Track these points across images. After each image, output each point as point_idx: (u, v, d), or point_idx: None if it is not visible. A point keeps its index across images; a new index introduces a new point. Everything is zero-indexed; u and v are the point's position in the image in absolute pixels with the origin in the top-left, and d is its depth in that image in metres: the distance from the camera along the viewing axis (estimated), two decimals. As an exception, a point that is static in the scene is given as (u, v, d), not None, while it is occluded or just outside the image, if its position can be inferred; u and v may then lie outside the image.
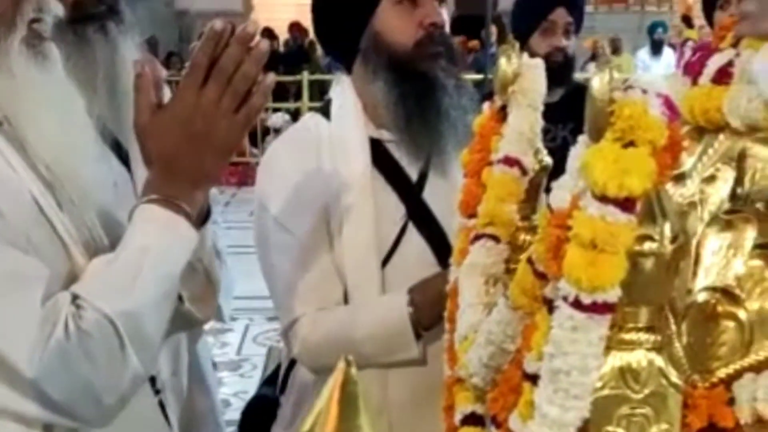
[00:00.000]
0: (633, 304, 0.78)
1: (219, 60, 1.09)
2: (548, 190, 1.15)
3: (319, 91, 10.04)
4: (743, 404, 0.86)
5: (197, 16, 15.35)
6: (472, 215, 1.19)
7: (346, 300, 1.65)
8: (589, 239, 0.75)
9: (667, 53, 11.44)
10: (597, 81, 0.79)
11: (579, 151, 0.84)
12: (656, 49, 11.58)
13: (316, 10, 1.75)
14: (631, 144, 0.77)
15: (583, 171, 0.78)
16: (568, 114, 1.95)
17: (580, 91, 3.33)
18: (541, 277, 0.88)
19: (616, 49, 12.41)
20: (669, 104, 0.80)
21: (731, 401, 0.87)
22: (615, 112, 0.77)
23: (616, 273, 0.75)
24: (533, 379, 0.81)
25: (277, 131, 8.24)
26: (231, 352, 5.04)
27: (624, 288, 0.76)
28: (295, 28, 13.21)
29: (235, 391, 4.36)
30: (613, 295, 0.75)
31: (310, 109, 2.76)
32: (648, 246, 0.77)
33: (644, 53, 11.92)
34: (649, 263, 0.77)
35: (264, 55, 1.12)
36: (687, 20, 13.53)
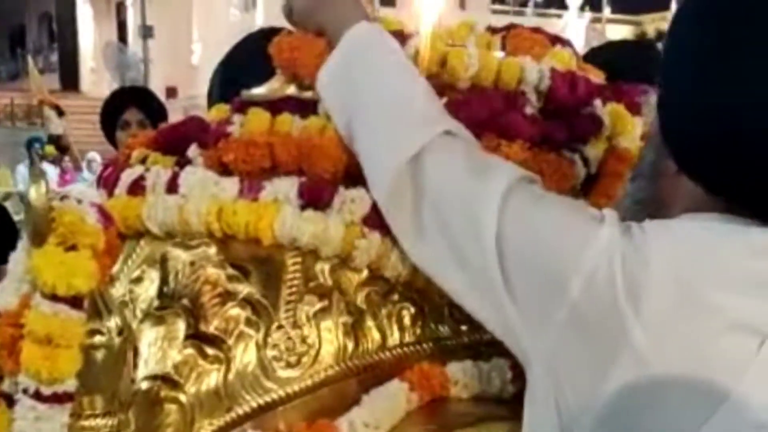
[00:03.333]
0: (89, 393, 0.99)
1: None
2: None
3: None
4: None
5: None
6: None
7: None
8: (44, 335, 0.95)
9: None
10: (34, 191, 1.01)
11: (19, 256, 1.04)
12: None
13: None
14: (73, 248, 1.00)
15: (33, 273, 0.98)
16: None
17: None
18: (-12, 376, 1.04)
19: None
20: (103, 212, 1.06)
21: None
22: (56, 219, 1.00)
23: (72, 365, 0.96)
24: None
25: None
26: None
27: (80, 378, 0.97)
28: None
29: None
30: (71, 385, 0.96)
31: None
32: (98, 339, 1.00)
33: (23, 167, 13.44)
34: (100, 355, 1.00)
35: None
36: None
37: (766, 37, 0.98)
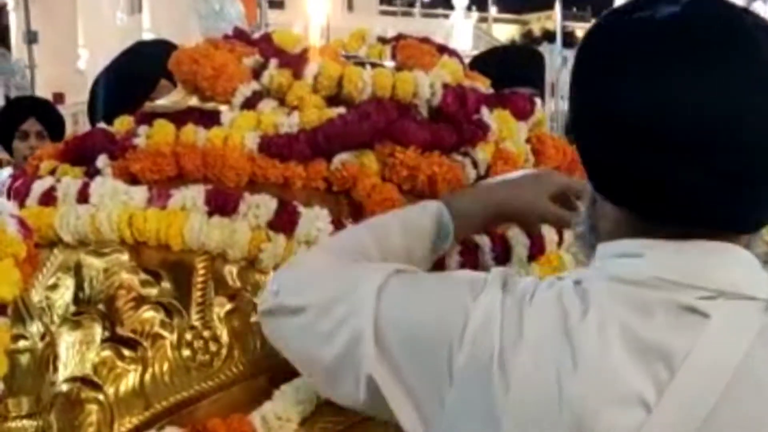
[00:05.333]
0: (15, 395, 1.05)
1: None
2: None
3: None
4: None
5: None
6: None
7: None
8: (-25, 342, 1.00)
9: None
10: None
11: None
12: None
13: None
14: (-4, 257, 1.05)
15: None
16: None
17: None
18: None
19: None
20: (22, 223, 1.11)
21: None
22: (-22, 230, 1.05)
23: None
24: None
25: None
26: None
27: (6, 382, 1.03)
28: None
29: None
30: (-1, 388, 1.02)
31: None
32: (22, 344, 1.05)
33: None
34: (24, 359, 1.06)
35: None
36: None
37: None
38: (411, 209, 1.32)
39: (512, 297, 1.01)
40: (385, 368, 1.04)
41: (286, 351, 1.20)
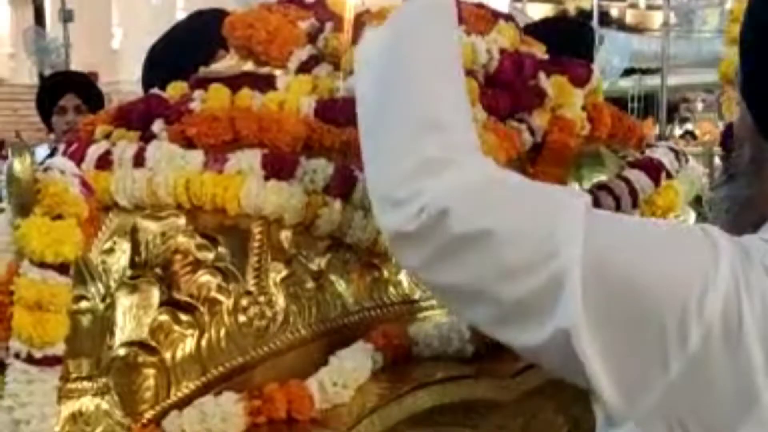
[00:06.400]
0: (76, 356, 1.03)
1: None
2: None
3: None
4: (172, 438, 1.19)
5: None
6: None
7: None
8: (34, 301, 0.99)
9: None
10: (18, 164, 1.04)
11: (1, 228, 1.07)
12: None
13: None
14: (59, 217, 1.03)
15: (21, 242, 1.01)
16: None
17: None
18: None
19: None
20: (84, 183, 1.09)
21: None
22: (41, 190, 1.03)
23: (61, 329, 1.00)
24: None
25: None
26: None
27: (67, 343, 1.01)
28: None
29: None
30: (60, 348, 1.00)
31: None
32: (84, 304, 1.04)
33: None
34: (86, 320, 1.04)
35: None
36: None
37: None
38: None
39: (753, 266, 0.90)
40: (587, 325, 0.89)
41: (438, 279, 1.00)
